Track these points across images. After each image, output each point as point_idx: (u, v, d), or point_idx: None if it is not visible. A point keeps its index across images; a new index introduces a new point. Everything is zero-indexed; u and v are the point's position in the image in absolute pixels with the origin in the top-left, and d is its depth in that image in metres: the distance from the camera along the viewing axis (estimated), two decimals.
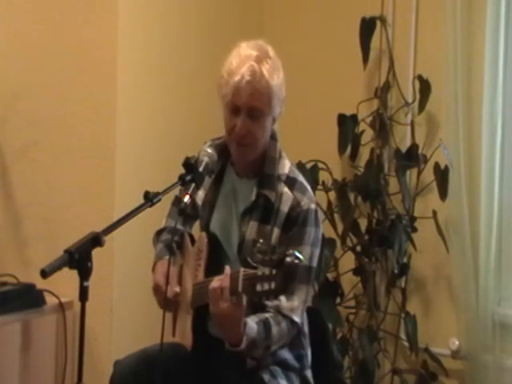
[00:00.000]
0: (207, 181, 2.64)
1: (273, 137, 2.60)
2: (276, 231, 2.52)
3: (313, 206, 2.55)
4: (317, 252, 2.55)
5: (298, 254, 2.20)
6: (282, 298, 2.40)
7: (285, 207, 2.52)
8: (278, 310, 2.44)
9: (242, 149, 2.55)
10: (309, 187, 2.59)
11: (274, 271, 2.19)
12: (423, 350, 3.67)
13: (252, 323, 2.39)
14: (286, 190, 2.54)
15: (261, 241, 2.50)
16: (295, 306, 2.46)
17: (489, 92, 3.56)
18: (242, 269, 2.28)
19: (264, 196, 2.53)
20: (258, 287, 2.20)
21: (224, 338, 2.39)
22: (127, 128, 3.39)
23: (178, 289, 2.59)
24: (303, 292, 2.49)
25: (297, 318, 2.47)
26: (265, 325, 2.41)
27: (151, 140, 3.52)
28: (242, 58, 2.49)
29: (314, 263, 2.54)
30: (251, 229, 2.53)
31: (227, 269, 2.35)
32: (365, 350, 3.61)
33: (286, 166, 2.60)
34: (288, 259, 2.18)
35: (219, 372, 2.56)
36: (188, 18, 3.71)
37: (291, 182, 2.56)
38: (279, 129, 2.64)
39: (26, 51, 3.50)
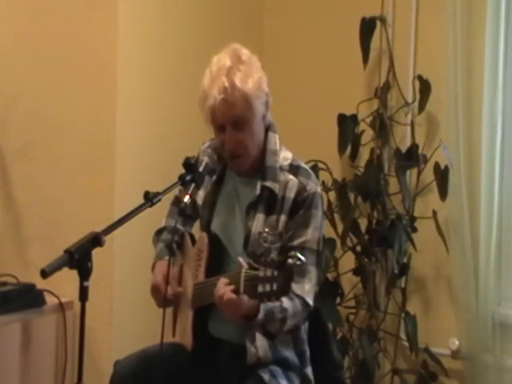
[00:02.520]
0: (208, 181, 2.64)
1: (270, 128, 2.60)
2: (283, 218, 2.52)
3: (318, 189, 2.57)
4: (322, 235, 2.57)
5: (300, 255, 2.20)
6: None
7: (291, 193, 2.53)
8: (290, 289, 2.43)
9: (237, 160, 2.55)
10: (312, 173, 2.61)
11: (275, 272, 2.19)
12: (423, 350, 3.67)
13: None
14: (290, 177, 2.55)
15: (266, 230, 2.51)
16: (306, 288, 2.47)
17: (489, 92, 3.56)
18: (243, 269, 2.28)
19: (268, 188, 2.53)
20: (260, 288, 2.20)
21: (242, 317, 2.38)
22: (127, 128, 3.39)
23: (180, 289, 2.59)
24: (313, 275, 2.50)
25: (310, 301, 2.48)
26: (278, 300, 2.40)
27: (151, 140, 3.51)
28: (213, 75, 2.50)
29: (321, 246, 2.56)
30: (257, 221, 2.53)
31: (220, 282, 2.35)
32: (365, 350, 3.62)
33: (289, 157, 2.60)
34: (290, 260, 2.18)
35: (219, 372, 2.56)
36: (188, 17, 3.71)
37: (295, 169, 2.57)
38: (279, 129, 2.64)
39: (26, 51, 3.50)
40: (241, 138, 2.50)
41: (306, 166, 2.62)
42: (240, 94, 2.45)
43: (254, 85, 2.47)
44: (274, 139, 2.60)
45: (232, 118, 2.47)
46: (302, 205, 2.52)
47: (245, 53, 2.54)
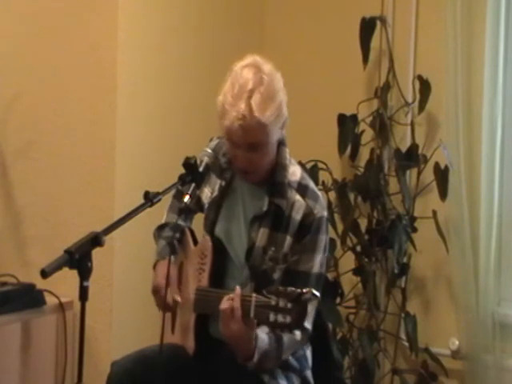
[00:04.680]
0: (215, 181, 2.64)
1: (282, 142, 2.59)
2: (288, 239, 2.52)
3: (325, 213, 2.56)
4: (326, 258, 2.57)
5: (314, 291, 2.21)
6: None
7: (297, 215, 2.52)
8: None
9: (247, 176, 2.56)
10: (320, 194, 2.60)
11: (289, 305, 2.19)
12: (423, 350, 3.67)
13: (263, 335, 2.38)
14: (298, 197, 2.54)
15: (272, 249, 2.51)
16: (307, 313, 2.46)
17: (489, 92, 3.56)
18: (254, 294, 2.28)
19: (275, 204, 2.53)
20: (271, 317, 2.20)
21: (235, 354, 2.38)
22: (127, 128, 3.39)
23: (178, 298, 2.58)
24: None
25: (308, 325, 2.45)
26: (276, 335, 2.40)
27: (151, 140, 3.52)
28: (234, 94, 2.43)
29: (324, 269, 2.58)
30: (262, 236, 2.53)
31: (238, 289, 2.35)
32: (365, 350, 3.61)
33: (297, 173, 2.59)
34: (306, 296, 2.19)
35: (219, 373, 2.56)
36: (188, 17, 3.71)
37: (303, 190, 2.56)
38: None
39: (26, 51, 3.50)
40: (254, 159, 2.49)
41: (315, 187, 2.61)
42: (257, 122, 2.42)
43: (272, 113, 2.44)
44: (285, 153, 2.59)
45: (247, 143, 2.46)
46: (308, 229, 2.51)
47: (267, 72, 2.48)
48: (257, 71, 2.47)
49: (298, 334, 2.42)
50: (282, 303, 2.20)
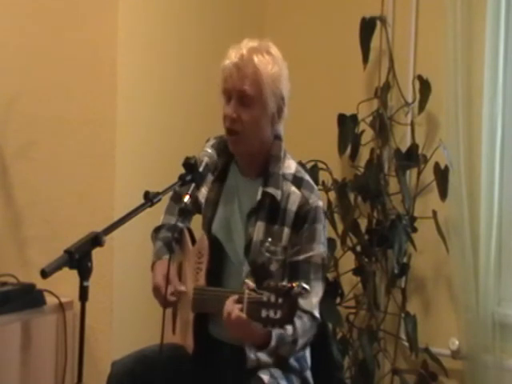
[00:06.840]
0: (210, 178, 2.63)
1: (277, 137, 2.60)
2: (286, 231, 2.52)
3: (320, 203, 2.56)
4: (326, 249, 2.57)
5: (304, 285, 2.21)
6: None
7: (293, 206, 2.52)
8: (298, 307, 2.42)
9: (233, 138, 2.53)
10: (315, 186, 2.60)
11: (280, 300, 2.18)
12: (423, 349, 3.67)
13: None
14: (293, 188, 2.54)
15: (269, 240, 2.51)
16: (314, 302, 2.46)
17: (489, 92, 3.56)
18: (246, 291, 2.27)
19: (270, 195, 2.52)
20: (263, 313, 2.19)
21: (253, 344, 2.39)
22: (127, 128, 3.39)
23: (184, 288, 2.57)
24: (319, 289, 2.50)
25: (317, 314, 2.47)
26: None
27: (151, 140, 3.51)
28: (237, 48, 2.50)
29: (326, 260, 2.57)
30: (258, 229, 2.53)
31: (229, 301, 2.34)
32: (365, 350, 3.61)
33: (292, 166, 2.59)
34: (295, 290, 2.18)
35: (219, 373, 2.56)
36: (188, 17, 3.71)
37: (298, 181, 2.56)
38: None
39: (26, 51, 3.50)
40: (242, 115, 2.48)
41: (310, 179, 2.61)
42: (253, 70, 2.45)
43: (271, 73, 2.47)
44: (280, 146, 2.59)
45: (238, 90, 2.46)
46: (305, 219, 2.51)
47: (275, 50, 2.55)
48: (262, 44, 2.54)
49: (306, 320, 2.42)
50: (273, 298, 2.19)
